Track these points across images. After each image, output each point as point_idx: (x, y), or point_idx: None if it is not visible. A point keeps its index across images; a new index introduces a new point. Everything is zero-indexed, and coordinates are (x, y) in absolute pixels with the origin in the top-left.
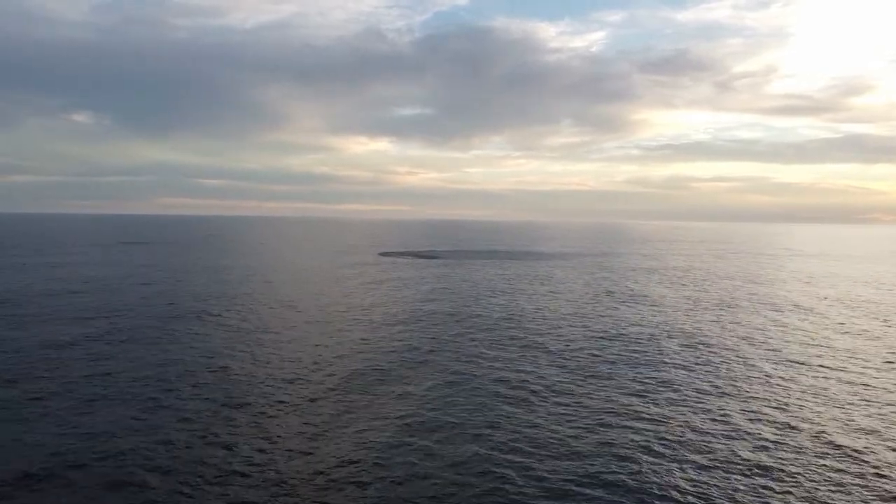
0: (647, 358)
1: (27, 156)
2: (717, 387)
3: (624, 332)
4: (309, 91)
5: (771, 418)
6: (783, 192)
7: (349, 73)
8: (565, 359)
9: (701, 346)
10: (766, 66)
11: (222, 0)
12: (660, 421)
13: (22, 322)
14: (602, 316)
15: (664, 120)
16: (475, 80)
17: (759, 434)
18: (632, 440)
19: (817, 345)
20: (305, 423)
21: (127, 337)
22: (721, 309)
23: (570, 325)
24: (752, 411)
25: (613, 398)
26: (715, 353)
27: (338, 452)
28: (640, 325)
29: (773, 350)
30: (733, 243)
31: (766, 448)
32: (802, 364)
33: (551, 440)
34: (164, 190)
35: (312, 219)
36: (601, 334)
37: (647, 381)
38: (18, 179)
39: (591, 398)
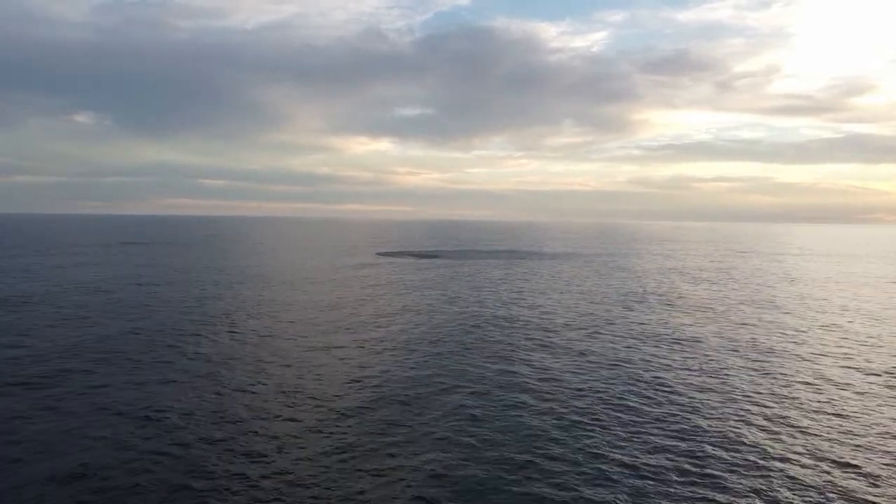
0: (696, 365)
1: (28, 156)
2: (774, 393)
3: (665, 335)
4: (310, 91)
5: (848, 438)
6: (784, 192)
7: (350, 74)
8: (593, 365)
9: (749, 350)
10: (768, 66)
11: (223, 1)
12: (726, 444)
13: (19, 325)
14: (631, 319)
15: (665, 120)
16: (476, 81)
17: (838, 457)
18: (703, 472)
19: (865, 347)
20: (295, 440)
21: (117, 343)
22: (762, 310)
23: (593, 328)
24: (823, 428)
25: (665, 415)
26: (766, 356)
27: (336, 473)
28: (679, 328)
29: (823, 355)
30: (742, 243)
31: (852, 479)
32: (857, 369)
33: (584, 463)
34: (164, 190)
35: (313, 219)
36: (637, 338)
37: (699, 394)
38: (19, 180)
39: (640, 412)
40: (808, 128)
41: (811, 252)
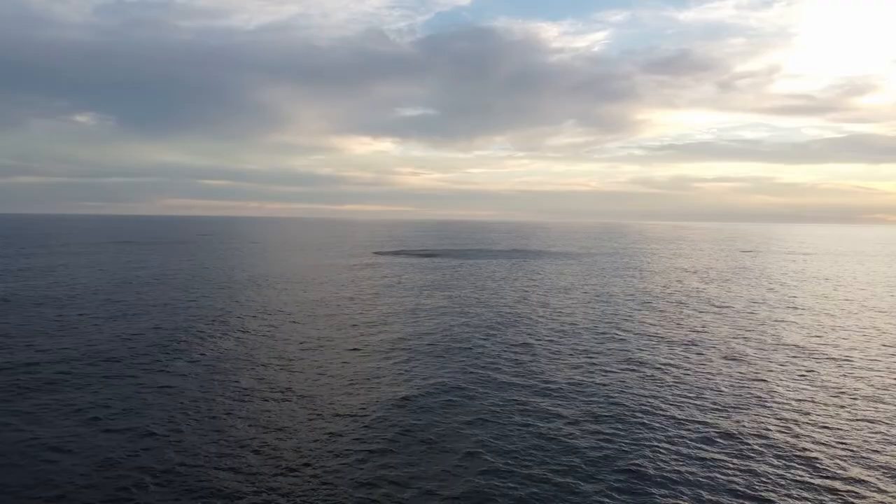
0: (723, 368)
1: (32, 157)
2: (809, 398)
3: (688, 337)
4: (311, 92)
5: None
6: (786, 193)
7: (352, 74)
8: (612, 368)
9: (778, 350)
10: (770, 66)
11: (225, 2)
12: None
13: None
14: (648, 319)
15: (667, 120)
16: (477, 81)
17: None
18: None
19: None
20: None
21: (103, 347)
22: (782, 309)
23: (606, 328)
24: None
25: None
26: (796, 359)
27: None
28: (702, 329)
29: (849, 358)
30: (751, 242)
31: None
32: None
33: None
34: (167, 191)
35: (315, 220)
36: (657, 338)
37: (730, 398)
38: (23, 181)
39: (662, 416)
40: (811, 128)
41: (820, 252)
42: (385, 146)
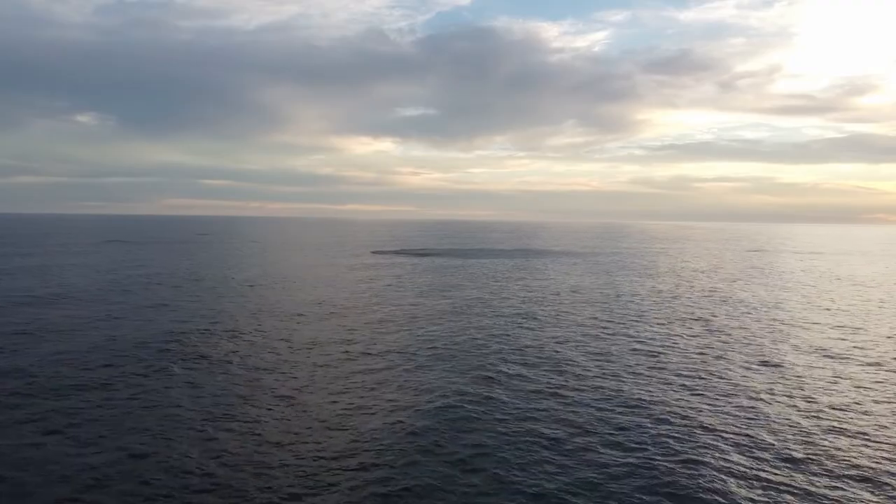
0: (762, 377)
1: (32, 157)
2: (848, 407)
3: (718, 342)
4: (312, 92)
5: None
6: (787, 193)
7: (352, 74)
8: (631, 375)
9: (811, 354)
10: (770, 66)
11: (225, 2)
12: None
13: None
14: (663, 318)
15: (667, 120)
16: (478, 81)
17: None
18: None
19: None
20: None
21: (86, 353)
22: (807, 310)
23: (616, 330)
24: None
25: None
26: (832, 362)
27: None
28: (730, 331)
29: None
30: (756, 242)
31: None
32: None
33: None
34: (168, 191)
35: (316, 219)
36: (674, 339)
37: (767, 407)
38: (24, 181)
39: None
40: (811, 128)
41: (826, 251)
42: (385, 146)
